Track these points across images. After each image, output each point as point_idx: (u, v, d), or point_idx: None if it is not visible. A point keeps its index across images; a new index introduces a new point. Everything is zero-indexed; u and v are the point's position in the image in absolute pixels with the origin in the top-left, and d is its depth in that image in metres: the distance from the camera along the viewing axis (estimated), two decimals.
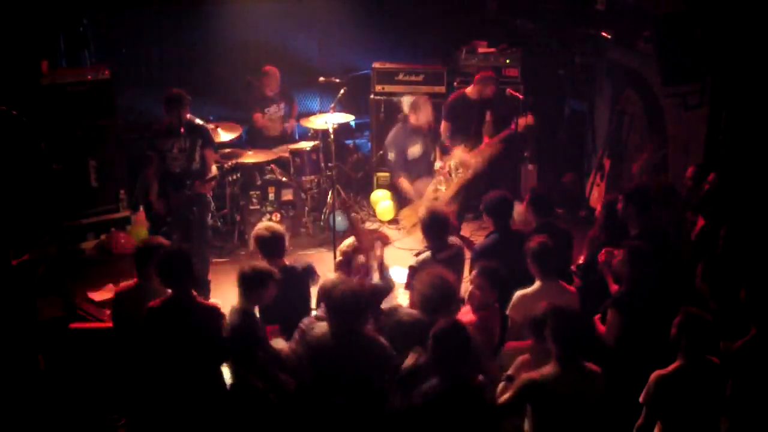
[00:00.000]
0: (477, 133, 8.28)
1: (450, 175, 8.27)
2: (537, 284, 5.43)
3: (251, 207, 8.50)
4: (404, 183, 8.51)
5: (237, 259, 8.10)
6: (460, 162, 8.19)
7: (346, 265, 5.82)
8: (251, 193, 8.50)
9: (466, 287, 5.80)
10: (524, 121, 8.08)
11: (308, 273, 5.78)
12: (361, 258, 5.84)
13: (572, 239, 6.39)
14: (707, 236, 5.89)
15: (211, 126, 8.69)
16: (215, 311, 5.03)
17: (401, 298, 6.08)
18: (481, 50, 9.42)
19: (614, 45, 8.71)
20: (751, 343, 4.52)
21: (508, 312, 5.40)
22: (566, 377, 4.35)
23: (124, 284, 5.69)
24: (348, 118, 9.33)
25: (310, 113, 9.53)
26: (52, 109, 7.89)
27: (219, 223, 8.70)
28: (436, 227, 5.99)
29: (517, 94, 8.07)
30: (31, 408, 5.36)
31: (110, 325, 5.64)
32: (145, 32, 9.65)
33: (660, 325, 4.70)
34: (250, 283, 5.16)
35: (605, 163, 8.64)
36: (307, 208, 8.91)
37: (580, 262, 6.49)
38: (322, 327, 4.83)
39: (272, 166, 8.64)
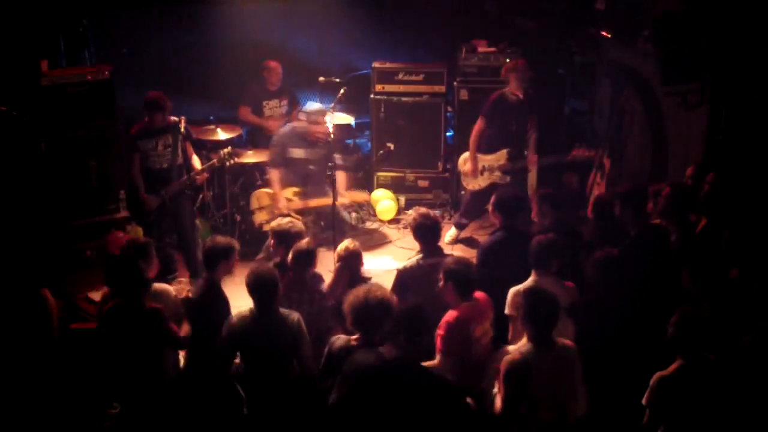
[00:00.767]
0: (519, 138, 8.16)
1: (482, 173, 8.19)
2: (531, 279, 5.44)
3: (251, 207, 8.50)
4: (274, 175, 8.13)
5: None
6: (499, 167, 8.12)
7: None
8: (251, 192, 8.50)
9: None
10: (586, 153, 8.08)
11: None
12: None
13: (582, 238, 6.41)
14: (708, 236, 5.89)
15: (212, 126, 8.72)
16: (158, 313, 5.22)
17: None
18: (481, 49, 9.42)
19: (614, 44, 8.71)
20: (757, 338, 4.53)
21: (506, 311, 5.40)
22: (542, 354, 4.48)
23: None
24: (348, 118, 9.33)
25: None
26: (52, 110, 7.87)
27: (220, 221, 8.70)
28: (424, 231, 5.95)
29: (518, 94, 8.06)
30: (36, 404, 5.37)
31: None
32: (145, 32, 9.65)
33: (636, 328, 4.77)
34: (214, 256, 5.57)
35: (605, 162, 8.63)
36: None
37: None
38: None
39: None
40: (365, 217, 9.39)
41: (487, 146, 8.20)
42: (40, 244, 7.27)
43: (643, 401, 4.44)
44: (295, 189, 7.98)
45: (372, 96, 9.53)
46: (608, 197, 6.52)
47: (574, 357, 4.61)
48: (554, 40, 9.67)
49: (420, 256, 5.93)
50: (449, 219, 9.07)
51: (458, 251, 8.13)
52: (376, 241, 8.82)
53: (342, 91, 8.56)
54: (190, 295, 5.72)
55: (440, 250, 5.98)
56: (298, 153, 8.01)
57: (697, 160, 7.13)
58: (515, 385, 4.48)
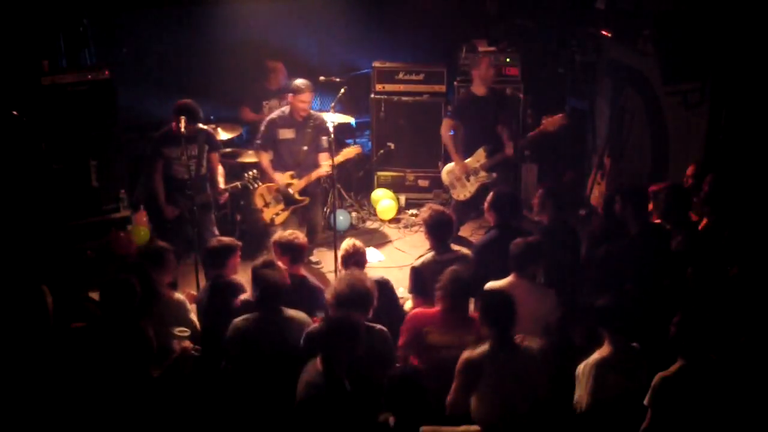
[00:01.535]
0: (493, 134, 8.16)
1: (467, 179, 8.19)
2: (509, 278, 5.48)
3: (252, 207, 8.49)
4: (264, 158, 7.96)
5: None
6: (481, 166, 8.11)
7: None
8: (253, 191, 8.49)
9: None
10: (556, 119, 7.87)
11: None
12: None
13: (579, 237, 6.42)
14: (709, 236, 5.90)
15: (212, 126, 8.70)
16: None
17: (406, 304, 6.04)
18: (481, 49, 9.42)
19: (614, 43, 8.71)
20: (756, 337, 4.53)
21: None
22: (499, 355, 4.57)
23: None
24: (348, 117, 9.33)
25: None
26: (52, 110, 7.87)
27: (220, 221, 8.69)
28: (439, 228, 5.98)
29: (519, 93, 8.07)
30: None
31: None
32: (145, 32, 9.63)
33: None
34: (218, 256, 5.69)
35: (606, 161, 8.64)
36: None
37: None
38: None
39: (256, 144, 8.59)
40: (366, 216, 9.39)
41: (462, 150, 8.20)
42: (41, 244, 7.28)
43: (645, 401, 4.43)
44: (291, 172, 7.90)
45: (372, 95, 9.54)
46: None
47: (537, 361, 4.68)
48: (554, 39, 9.67)
49: (432, 252, 5.93)
50: None
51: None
52: (376, 240, 8.83)
53: (342, 90, 8.55)
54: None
55: (452, 248, 5.99)
56: (287, 134, 7.88)
57: (698, 160, 7.14)
58: (464, 380, 4.63)
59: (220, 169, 7.53)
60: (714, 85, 7.13)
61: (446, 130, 8.27)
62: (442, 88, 9.43)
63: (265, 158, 7.92)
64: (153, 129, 7.81)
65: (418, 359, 5.07)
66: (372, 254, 8.07)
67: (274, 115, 7.97)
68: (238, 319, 5.11)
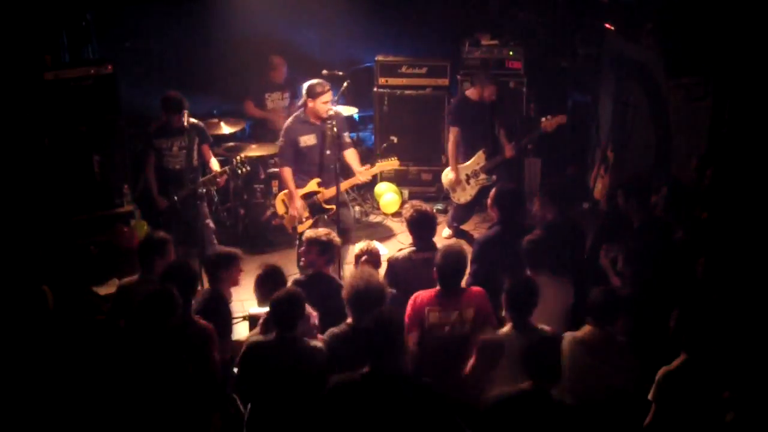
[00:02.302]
0: (492, 136, 8.15)
1: (467, 182, 8.19)
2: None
3: (255, 201, 8.51)
4: (287, 173, 7.46)
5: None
6: (480, 168, 8.10)
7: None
8: (255, 186, 8.51)
9: None
10: (555, 120, 7.90)
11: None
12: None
13: (583, 232, 6.42)
14: (709, 229, 5.89)
15: (215, 120, 8.72)
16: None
17: None
18: (484, 42, 9.40)
19: (618, 37, 8.69)
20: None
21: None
22: (518, 338, 4.68)
23: (128, 279, 5.75)
24: (351, 111, 9.32)
25: None
26: (55, 105, 7.88)
27: (224, 215, 8.71)
28: (420, 226, 5.96)
29: (521, 87, 8.07)
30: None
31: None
32: (147, 27, 9.64)
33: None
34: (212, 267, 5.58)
35: (609, 155, 8.63)
36: None
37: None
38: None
39: (276, 159, 8.63)
40: (369, 210, 9.39)
41: (462, 153, 8.21)
42: (45, 239, 7.30)
43: (650, 396, 4.44)
44: (317, 179, 7.47)
45: (375, 89, 9.53)
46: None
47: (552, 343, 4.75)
48: (558, 32, 9.64)
49: (413, 249, 5.94)
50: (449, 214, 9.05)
51: None
52: (380, 234, 8.83)
53: (345, 84, 8.55)
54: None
55: (434, 245, 5.96)
56: (309, 140, 7.36)
57: (701, 153, 7.12)
58: (485, 360, 4.74)
59: (213, 160, 7.57)
60: (717, 79, 7.10)
61: (453, 138, 8.24)
62: (446, 81, 9.42)
63: (288, 173, 7.39)
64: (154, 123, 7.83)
65: (420, 338, 5.11)
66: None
67: (289, 122, 7.44)
68: (254, 339, 4.96)
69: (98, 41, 9.14)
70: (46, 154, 7.86)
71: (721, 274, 5.26)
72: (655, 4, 7.67)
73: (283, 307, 4.74)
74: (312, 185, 7.44)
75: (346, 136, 7.53)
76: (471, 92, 8.20)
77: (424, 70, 9.43)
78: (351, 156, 7.45)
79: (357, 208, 9.23)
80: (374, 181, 9.61)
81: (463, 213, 8.50)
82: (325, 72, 9.32)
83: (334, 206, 7.32)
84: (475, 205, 8.35)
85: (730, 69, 6.96)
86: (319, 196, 7.42)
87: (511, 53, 9.26)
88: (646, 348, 4.93)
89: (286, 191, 7.50)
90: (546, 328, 4.89)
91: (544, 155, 9.43)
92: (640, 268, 5.52)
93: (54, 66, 7.99)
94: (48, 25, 8.21)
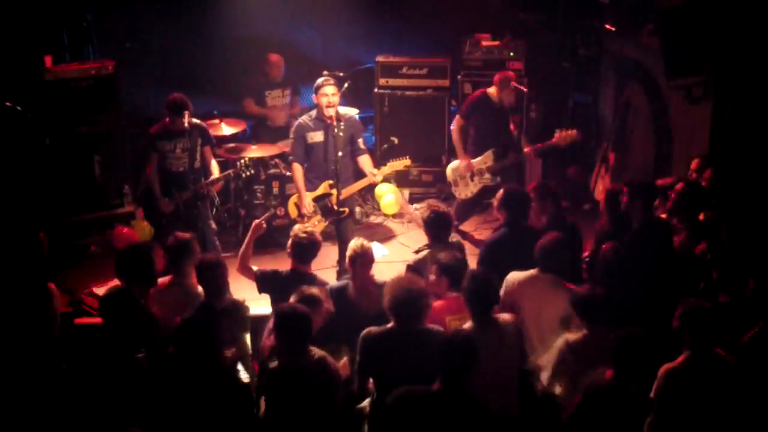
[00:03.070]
0: (503, 137, 8.09)
1: (471, 179, 8.17)
2: (532, 271, 5.49)
3: (255, 201, 8.51)
4: (297, 172, 7.33)
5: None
6: (487, 168, 8.09)
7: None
8: (255, 187, 8.50)
9: None
10: (569, 135, 7.74)
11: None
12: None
13: (580, 233, 6.41)
14: (708, 229, 5.89)
15: (215, 121, 8.71)
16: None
17: None
18: (485, 43, 9.40)
19: (618, 37, 8.69)
20: (758, 337, 4.52)
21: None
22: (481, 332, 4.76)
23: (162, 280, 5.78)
24: (352, 111, 9.31)
25: (313, 107, 9.50)
26: (56, 105, 7.90)
27: (224, 216, 8.70)
28: (437, 225, 5.98)
29: (522, 87, 8.04)
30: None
31: None
32: (148, 27, 9.65)
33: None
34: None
35: (610, 155, 8.62)
36: None
37: (585, 254, 6.51)
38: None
39: (276, 160, 8.63)
40: (369, 211, 9.38)
41: (470, 150, 8.18)
42: (45, 239, 7.29)
43: (651, 394, 4.44)
44: (329, 181, 7.34)
45: (376, 90, 9.52)
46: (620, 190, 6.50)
47: (514, 333, 4.91)
48: (558, 33, 9.64)
49: (428, 250, 5.94)
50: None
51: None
52: (380, 235, 8.82)
53: (346, 85, 8.53)
54: None
55: (449, 244, 5.99)
56: (316, 137, 7.24)
57: (702, 154, 7.12)
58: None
59: (214, 163, 7.51)
60: (718, 79, 7.10)
61: (457, 128, 8.23)
62: (446, 82, 9.41)
63: (298, 171, 7.30)
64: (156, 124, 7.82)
65: None
66: (376, 249, 8.04)
67: (301, 119, 7.36)
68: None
69: (99, 41, 9.15)
70: (47, 154, 7.86)
71: (724, 273, 5.24)
72: (655, 5, 7.67)
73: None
74: (324, 187, 7.38)
75: (361, 142, 7.48)
76: (491, 92, 8.10)
77: (424, 71, 9.43)
78: (365, 161, 7.41)
79: (358, 209, 9.22)
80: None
81: (463, 211, 8.48)
82: (325, 73, 9.29)
83: (347, 209, 7.33)
84: (476, 204, 8.33)
85: (730, 69, 6.96)
86: (331, 198, 7.33)
87: (511, 54, 9.25)
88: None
89: (296, 195, 7.50)
90: (507, 317, 4.96)
91: (544, 156, 9.41)
92: (639, 269, 5.51)
93: (54, 66, 8.00)
94: (49, 25, 8.23)
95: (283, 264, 6.00)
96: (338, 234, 7.42)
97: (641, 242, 5.78)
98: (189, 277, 5.68)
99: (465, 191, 8.23)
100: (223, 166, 7.95)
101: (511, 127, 8.08)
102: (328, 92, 7.10)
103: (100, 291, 7.18)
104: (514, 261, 5.62)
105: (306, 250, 5.76)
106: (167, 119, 7.15)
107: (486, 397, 4.49)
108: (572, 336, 4.88)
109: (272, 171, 8.55)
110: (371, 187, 9.34)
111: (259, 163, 8.58)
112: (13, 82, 7.67)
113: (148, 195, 7.46)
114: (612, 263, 5.57)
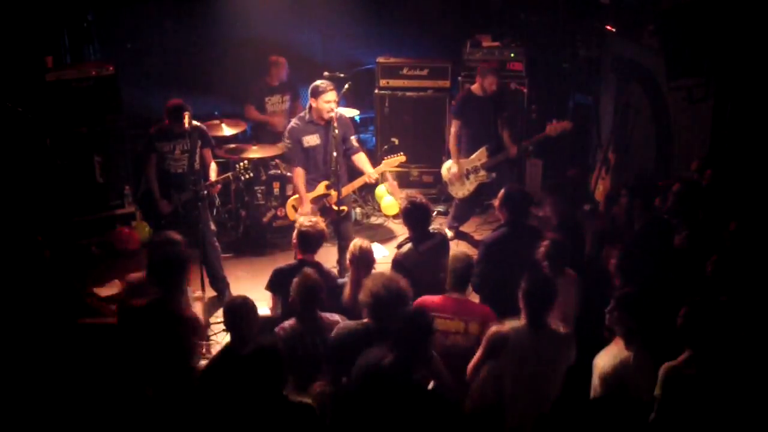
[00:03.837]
0: (495, 133, 8.15)
1: (467, 177, 8.19)
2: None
3: (256, 202, 8.51)
4: (298, 177, 7.35)
5: (242, 254, 8.18)
6: (481, 165, 8.10)
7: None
8: (256, 188, 8.51)
9: None
10: (561, 126, 7.88)
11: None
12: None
13: (584, 234, 6.42)
14: (708, 230, 5.89)
15: (216, 122, 8.71)
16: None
17: None
18: (485, 44, 9.41)
19: (619, 38, 8.69)
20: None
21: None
22: (531, 334, 4.71)
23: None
24: (352, 112, 9.32)
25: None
26: (56, 106, 7.90)
27: (225, 217, 8.70)
28: (416, 216, 5.94)
29: (522, 87, 8.06)
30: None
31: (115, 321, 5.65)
32: (149, 28, 9.66)
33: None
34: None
35: (610, 156, 8.62)
36: None
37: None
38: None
39: (277, 161, 8.63)
40: (370, 212, 9.39)
41: (464, 149, 8.20)
42: (46, 240, 7.30)
43: (654, 393, 4.43)
44: (326, 182, 7.36)
45: (376, 91, 9.52)
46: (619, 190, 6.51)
47: (563, 345, 4.79)
48: (559, 34, 9.65)
49: (412, 241, 5.93)
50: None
51: (460, 247, 8.15)
52: (381, 236, 8.82)
53: (346, 86, 8.55)
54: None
55: (430, 234, 5.98)
56: (312, 140, 7.25)
57: (702, 155, 7.12)
58: (488, 350, 4.74)
59: (213, 165, 7.49)
60: (719, 80, 7.10)
61: (454, 132, 8.25)
62: (447, 83, 9.41)
63: (299, 174, 7.31)
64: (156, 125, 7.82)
65: None
66: (376, 249, 8.05)
67: (292, 123, 7.35)
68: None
69: (99, 42, 9.17)
70: (48, 154, 7.87)
71: (726, 272, 5.24)
72: (656, 6, 7.67)
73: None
74: (320, 188, 7.40)
75: (354, 140, 7.49)
76: (475, 87, 8.20)
77: (425, 72, 9.43)
78: (361, 159, 7.43)
79: (358, 209, 9.23)
80: (375, 182, 9.61)
81: (462, 211, 8.49)
82: (326, 74, 9.32)
83: (345, 207, 7.32)
84: (475, 203, 8.34)
85: (731, 70, 6.97)
86: (328, 198, 7.34)
87: (512, 55, 9.26)
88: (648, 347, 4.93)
89: (295, 197, 7.48)
90: (561, 328, 4.83)
91: (545, 157, 9.43)
92: (641, 269, 5.51)
93: (55, 67, 8.01)
94: (49, 26, 8.24)
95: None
96: (338, 234, 7.43)
97: (642, 242, 5.77)
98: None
99: (461, 190, 8.25)
100: (223, 167, 7.95)
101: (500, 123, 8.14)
102: (331, 98, 7.11)
103: (101, 291, 7.21)
104: (513, 261, 5.61)
105: (312, 239, 5.76)
106: (167, 121, 7.16)
107: (514, 397, 4.61)
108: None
109: (273, 172, 8.56)
110: (372, 187, 9.37)
111: (260, 163, 8.59)
112: (14, 83, 7.68)
113: (147, 195, 7.45)
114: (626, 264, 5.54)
